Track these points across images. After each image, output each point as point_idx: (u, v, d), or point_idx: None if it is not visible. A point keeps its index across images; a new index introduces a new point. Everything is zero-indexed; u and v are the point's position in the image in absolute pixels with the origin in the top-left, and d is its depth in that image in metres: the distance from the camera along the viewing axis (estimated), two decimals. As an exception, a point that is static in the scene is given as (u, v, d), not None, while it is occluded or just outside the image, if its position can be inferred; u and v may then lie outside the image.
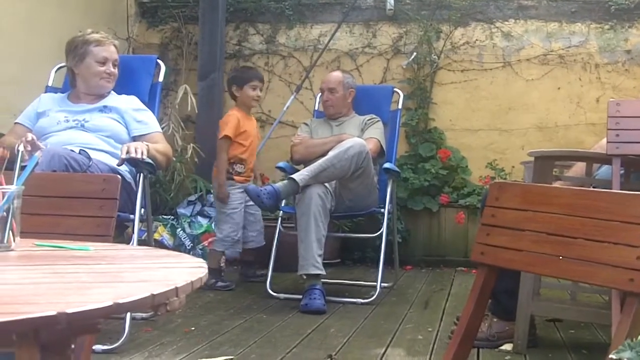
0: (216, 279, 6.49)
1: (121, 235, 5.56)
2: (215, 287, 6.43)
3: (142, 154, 4.57)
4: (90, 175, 4.06)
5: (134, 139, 4.95)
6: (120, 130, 4.98)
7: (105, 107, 5.05)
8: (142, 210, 4.80)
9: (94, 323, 1.64)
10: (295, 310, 5.54)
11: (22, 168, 2.02)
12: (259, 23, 9.17)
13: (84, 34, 5.13)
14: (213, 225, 7.54)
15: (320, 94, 6.85)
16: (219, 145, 6.65)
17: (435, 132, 8.62)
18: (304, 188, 5.66)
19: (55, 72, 5.52)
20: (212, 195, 8.04)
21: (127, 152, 4.56)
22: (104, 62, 5.07)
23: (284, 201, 6.07)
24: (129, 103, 5.13)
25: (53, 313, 1.13)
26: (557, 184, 4.39)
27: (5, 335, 1.23)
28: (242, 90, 6.76)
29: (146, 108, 5.18)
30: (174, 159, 8.09)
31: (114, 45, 5.17)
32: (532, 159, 4.43)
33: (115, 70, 5.16)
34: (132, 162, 4.63)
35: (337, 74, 6.75)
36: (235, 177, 6.65)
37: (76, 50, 5.09)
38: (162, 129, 7.64)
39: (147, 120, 5.08)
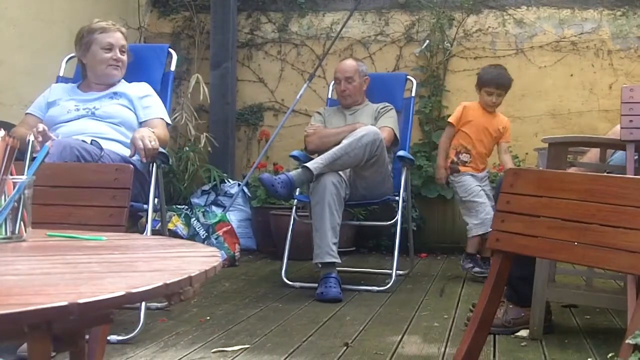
0: (473, 264, 6.66)
1: (135, 225, 5.55)
2: (473, 272, 6.62)
3: (152, 143, 4.53)
4: (102, 164, 4.04)
5: (140, 125, 4.91)
6: (130, 116, 4.93)
7: (115, 93, 5.00)
8: (156, 200, 4.77)
9: (107, 313, 1.63)
10: (311, 299, 5.54)
11: (33, 159, 2.01)
12: (271, 11, 9.16)
13: (90, 24, 5.08)
14: (227, 214, 7.54)
15: (333, 82, 6.82)
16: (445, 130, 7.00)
17: (449, 119, 8.60)
18: (318, 176, 5.64)
19: (66, 62, 5.49)
20: (226, 184, 8.05)
21: (138, 145, 4.52)
22: (109, 49, 5.00)
23: (298, 190, 6.06)
24: (138, 89, 5.07)
25: (64, 303, 1.12)
26: (571, 171, 4.38)
27: (16, 327, 1.21)
28: (480, 92, 6.87)
29: (153, 93, 5.10)
30: (187, 148, 8.10)
31: (121, 32, 5.08)
32: (546, 145, 4.42)
33: (123, 57, 5.08)
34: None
35: (351, 62, 6.69)
36: (461, 168, 6.75)
37: (82, 40, 5.05)
38: (175, 118, 7.65)
39: (150, 105, 5.02)
